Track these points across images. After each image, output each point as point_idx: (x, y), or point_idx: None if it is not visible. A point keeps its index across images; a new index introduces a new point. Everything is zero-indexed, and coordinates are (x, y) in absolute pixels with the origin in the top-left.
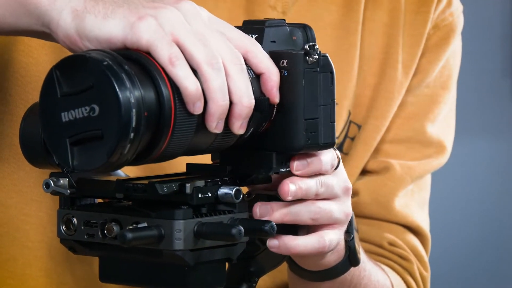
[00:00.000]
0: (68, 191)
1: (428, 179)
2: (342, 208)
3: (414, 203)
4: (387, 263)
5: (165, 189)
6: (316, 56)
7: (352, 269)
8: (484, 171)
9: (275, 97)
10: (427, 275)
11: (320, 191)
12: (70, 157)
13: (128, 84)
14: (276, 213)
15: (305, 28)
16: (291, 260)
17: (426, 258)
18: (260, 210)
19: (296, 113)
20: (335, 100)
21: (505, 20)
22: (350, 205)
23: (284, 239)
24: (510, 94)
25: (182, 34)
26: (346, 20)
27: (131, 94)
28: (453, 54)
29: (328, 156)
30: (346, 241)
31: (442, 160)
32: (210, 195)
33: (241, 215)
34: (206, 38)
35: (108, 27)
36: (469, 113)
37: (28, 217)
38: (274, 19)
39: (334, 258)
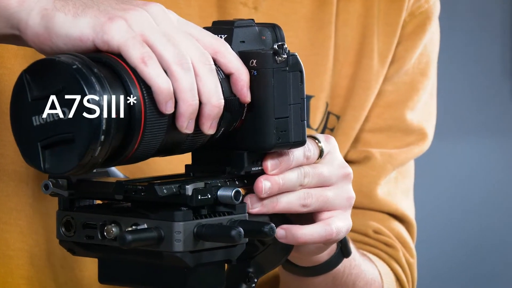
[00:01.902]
0: (67, 193)
1: (411, 167)
2: (339, 193)
3: (397, 191)
4: (373, 251)
5: (165, 191)
6: (285, 56)
7: (344, 260)
8: (484, 171)
9: (246, 97)
10: (413, 261)
11: (304, 182)
12: (41, 160)
13: (97, 87)
14: (265, 202)
15: (274, 28)
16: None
17: (412, 245)
18: (251, 201)
19: (266, 112)
20: (313, 93)
21: (505, 20)
22: (351, 189)
23: (291, 229)
24: (510, 94)
25: (152, 35)
26: (320, 12)
27: (100, 97)
28: (430, 41)
29: (298, 151)
30: None
31: (423, 147)
32: (209, 196)
33: (240, 216)
34: (175, 38)
35: (79, 25)
36: (469, 113)
37: (7, 226)
38: (243, 19)
39: (327, 251)
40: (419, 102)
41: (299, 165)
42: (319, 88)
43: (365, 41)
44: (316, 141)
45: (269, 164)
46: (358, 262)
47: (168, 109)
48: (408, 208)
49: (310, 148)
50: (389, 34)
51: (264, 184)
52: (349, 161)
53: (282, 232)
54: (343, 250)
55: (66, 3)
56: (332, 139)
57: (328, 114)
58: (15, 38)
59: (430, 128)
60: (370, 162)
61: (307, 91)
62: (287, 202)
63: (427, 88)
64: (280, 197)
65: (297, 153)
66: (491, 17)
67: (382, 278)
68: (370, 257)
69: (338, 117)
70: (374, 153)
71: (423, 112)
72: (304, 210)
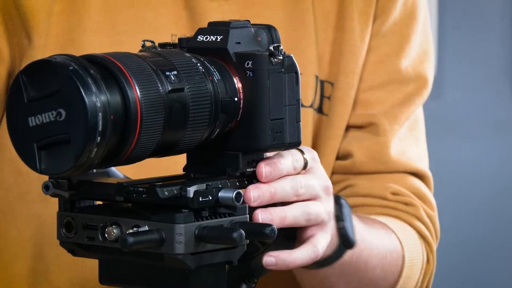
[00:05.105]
0: (68, 194)
1: (417, 116)
2: (325, 207)
3: (408, 145)
4: (393, 214)
5: (166, 193)
6: (281, 57)
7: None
8: (484, 171)
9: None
10: (434, 214)
11: (300, 192)
12: (37, 161)
13: (93, 88)
14: (275, 218)
15: (269, 29)
16: None
17: (430, 198)
18: (262, 215)
19: (261, 113)
20: (299, 70)
21: (505, 20)
22: (332, 203)
23: (280, 255)
24: (510, 94)
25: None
26: None
27: (97, 98)
28: None
29: (287, 159)
30: (338, 229)
31: (425, 93)
32: (210, 198)
33: (241, 218)
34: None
35: None
36: (469, 113)
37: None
38: (239, 20)
39: (329, 246)
40: (412, 47)
41: (288, 174)
42: (306, 63)
43: (344, 4)
44: (301, 152)
45: (263, 170)
46: (369, 241)
47: None
48: (420, 159)
49: (297, 158)
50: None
51: (252, 193)
52: (353, 126)
53: (271, 259)
54: (345, 243)
55: None
56: (315, 153)
57: (322, 83)
58: None
59: (428, 70)
60: (377, 128)
61: None
62: (294, 218)
63: (418, 31)
64: (288, 210)
65: (286, 161)
66: (491, 17)
67: (402, 244)
68: (388, 223)
69: (332, 84)
70: (379, 118)
71: (418, 54)
72: (305, 224)
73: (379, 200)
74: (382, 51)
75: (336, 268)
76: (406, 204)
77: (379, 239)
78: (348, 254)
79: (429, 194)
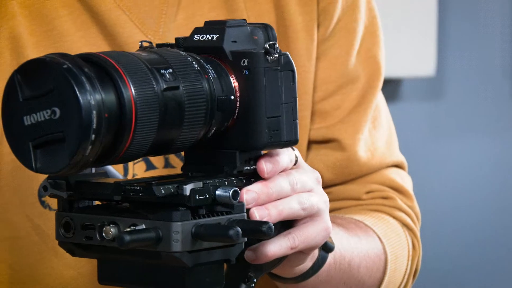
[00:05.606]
0: (66, 194)
1: (378, 103)
2: (321, 198)
3: (375, 142)
4: (372, 208)
5: (163, 191)
6: (277, 55)
7: (330, 254)
8: (484, 171)
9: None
10: (412, 203)
11: (297, 188)
12: (33, 159)
13: (88, 86)
14: (272, 212)
15: (266, 28)
16: (271, 274)
17: (406, 186)
18: (259, 213)
19: (258, 111)
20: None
21: (505, 20)
22: (324, 193)
23: (258, 247)
24: (510, 94)
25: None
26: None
27: (91, 96)
28: None
29: (285, 156)
30: None
31: (378, 82)
32: (207, 196)
33: (239, 216)
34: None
35: None
36: (469, 113)
37: None
38: (235, 19)
39: (310, 257)
40: (358, 37)
41: (285, 169)
42: None
43: (284, 24)
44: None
45: (265, 167)
46: (347, 242)
47: None
48: (389, 149)
49: (291, 154)
50: (307, 10)
51: (246, 196)
52: (314, 141)
53: (251, 254)
54: (324, 248)
55: None
56: (296, 149)
57: None
58: None
59: (379, 52)
60: (340, 145)
61: None
62: (290, 209)
63: (361, 21)
64: (280, 203)
65: (284, 157)
66: (491, 17)
67: (381, 239)
68: (365, 221)
69: None
70: (339, 133)
71: (365, 41)
72: (304, 214)
73: (355, 201)
74: (332, 53)
75: (323, 275)
76: (383, 198)
77: (356, 239)
78: (331, 258)
79: (404, 183)
